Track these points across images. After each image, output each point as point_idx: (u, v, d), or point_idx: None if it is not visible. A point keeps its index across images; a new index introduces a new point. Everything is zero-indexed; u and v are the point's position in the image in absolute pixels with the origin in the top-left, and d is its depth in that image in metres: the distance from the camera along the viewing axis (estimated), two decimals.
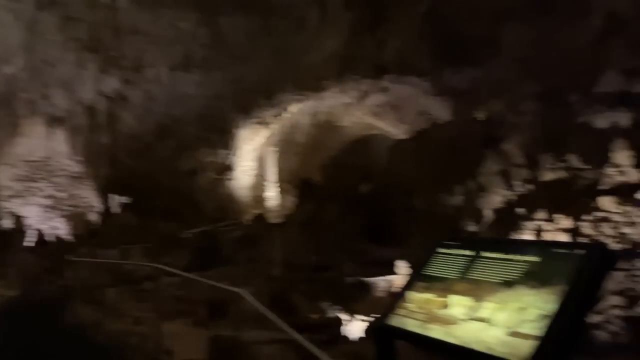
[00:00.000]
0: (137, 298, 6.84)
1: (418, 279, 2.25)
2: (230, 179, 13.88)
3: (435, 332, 1.84)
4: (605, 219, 6.33)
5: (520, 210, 7.30)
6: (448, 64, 10.43)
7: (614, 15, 7.49)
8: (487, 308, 1.81)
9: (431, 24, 10.40)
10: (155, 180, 12.62)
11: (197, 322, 5.68)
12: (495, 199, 7.92)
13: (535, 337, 1.63)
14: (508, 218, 7.32)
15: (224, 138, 13.20)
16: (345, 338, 6.13)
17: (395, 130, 13.82)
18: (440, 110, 11.53)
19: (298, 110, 13.84)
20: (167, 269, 6.20)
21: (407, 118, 13.10)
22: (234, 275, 7.52)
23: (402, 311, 2.10)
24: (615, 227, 6.37)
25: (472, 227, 7.96)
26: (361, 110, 13.91)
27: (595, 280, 1.75)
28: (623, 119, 6.87)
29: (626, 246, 6.23)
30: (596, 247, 1.83)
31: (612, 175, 6.82)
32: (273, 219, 13.10)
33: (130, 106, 12.80)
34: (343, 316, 6.79)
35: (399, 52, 11.20)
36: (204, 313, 5.95)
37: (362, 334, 6.01)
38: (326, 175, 13.99)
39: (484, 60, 9.63)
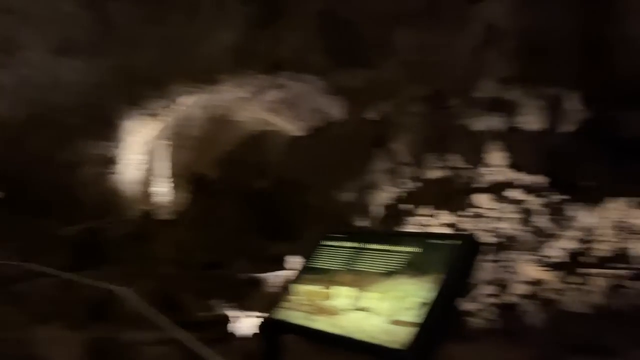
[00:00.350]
0: (5, 301, 6.22)
1: (305, 271, 2.26)
2: (115, 173, 13.10)
3: (320, 323, 1.86)
4: (480, 215, 6.86)
5: (407, 206, 7.68)
6: (342, 64, 10.67)
7: (491, 27, 8.13)
8: (370, 298, 1.86)
9: (326, 24, 10.58)
10: (29, 173, 11.56)
11: (73, 325, 5.28)
12: (384, 195, 8.25)
13: (414, 324, 1.69)
14: (395, 213, 7.67)
15: (108, 129, 12.42)
16: (235, 335, 6.06)
17: (291, 127, 13.89)
18: (335, 109, 11.78)
19: (192, 103, 13.41)
20: (41, 268, 5.71)
21: (303, 115, 13.22)
22: (118, 274, 7.11)
23: (288, 304, 2.10)
24: (488, 222, 6.92)
25: (362, 222, 8.23)
26: (257, 106, 13.81)
27: (467, 268, 1.87)
28: (497, 122, 7.54)
29: (499, 239, 6.80)
30: (467, 238, 1.95)
31: (487, 175, 7.41)
32: (164, 215, 12.59)
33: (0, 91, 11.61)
34: (234, 313, 6.70)
35: (295, 49, 11.26)
36: (82, 315, 5.55)
37: (253, 330, 5.97)
38: (221, 170, 13.71)
39: (376, 63, 9.98)
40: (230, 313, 6.67)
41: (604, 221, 6.80)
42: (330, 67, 11.01)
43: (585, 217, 6.94)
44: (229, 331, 6.13)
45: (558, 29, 8.58)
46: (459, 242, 1.91)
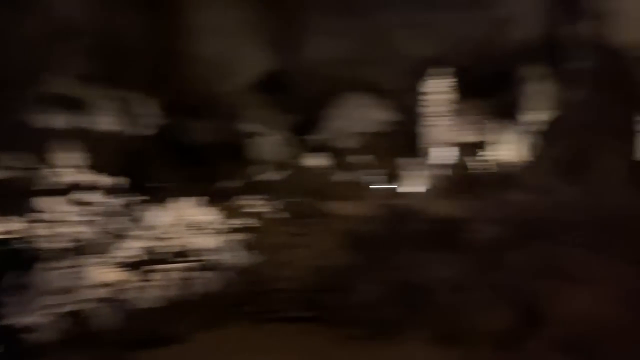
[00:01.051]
0: None
1: None
2: None
3: None
4: (43, 219, 6.28)
5: None
6: None
7: (61, 19, 7.65)
8: None
9: None
10: None
11: None
12: None
13: None
14: None
15: None
16: None
17: None
18: None
19: None
20: None
21: None
22: None
23: None
24: (59, 226, 6.42)
25: None
26: None
27: (13, 279, 1.49)
28: (61, 121, 7.16)
29: (70, 244, 6.35)
30: (17, 246, 1.58)
31: (58, 176, 6.90)
32: None
33: None
34: None
35: None
36: None
37: None
38: None
39: None
40: None
41: (175, 219, 7.28)
42: None
43: (159, 216, 7.27)
44: None
45: (133, 36, 8.80)
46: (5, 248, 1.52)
